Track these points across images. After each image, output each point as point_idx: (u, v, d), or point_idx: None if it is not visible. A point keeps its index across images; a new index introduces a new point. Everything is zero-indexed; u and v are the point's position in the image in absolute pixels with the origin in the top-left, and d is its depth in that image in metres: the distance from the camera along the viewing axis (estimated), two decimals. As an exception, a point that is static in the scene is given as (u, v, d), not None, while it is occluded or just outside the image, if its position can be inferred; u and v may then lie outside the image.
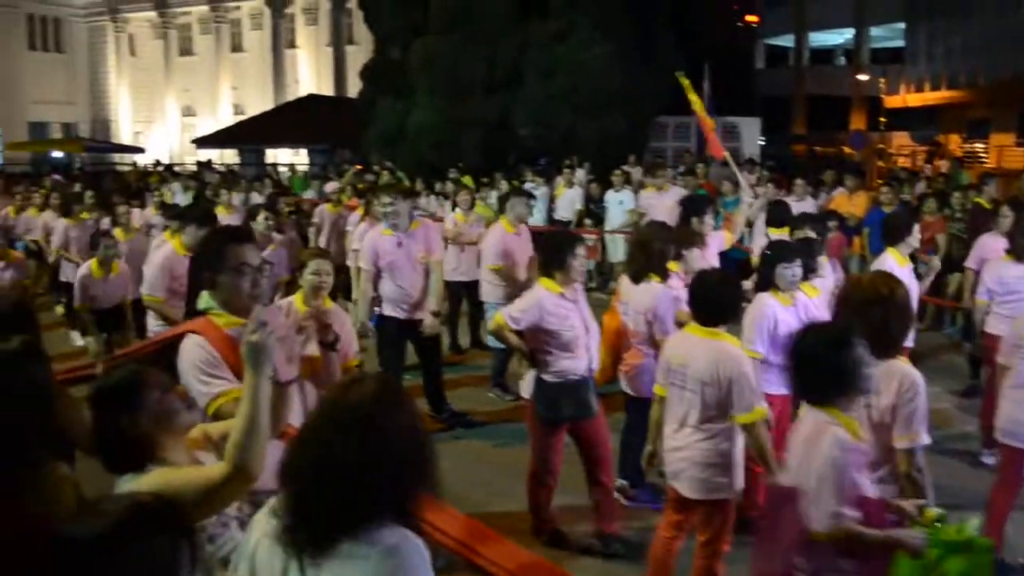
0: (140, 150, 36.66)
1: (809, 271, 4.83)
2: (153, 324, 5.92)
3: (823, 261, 5.19)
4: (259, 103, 38.02)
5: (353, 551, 1.75)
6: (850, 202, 10.27)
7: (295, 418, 3.08)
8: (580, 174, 14.27)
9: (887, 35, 35.58)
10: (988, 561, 2.63)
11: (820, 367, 2.80)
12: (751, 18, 36.27)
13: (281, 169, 24.92)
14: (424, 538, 1.84)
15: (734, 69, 27.26)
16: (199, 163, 24.56)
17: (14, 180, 19.57)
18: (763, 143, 25.14)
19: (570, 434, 4.74)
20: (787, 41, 38.75)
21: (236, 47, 41.63)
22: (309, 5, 39.11)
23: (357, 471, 1.75)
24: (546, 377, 4.59)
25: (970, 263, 6.78)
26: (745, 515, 4.20)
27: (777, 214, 6.99)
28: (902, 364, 3.19)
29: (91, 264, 7.05)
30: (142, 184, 17.98)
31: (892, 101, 32.03)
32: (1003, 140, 27.29)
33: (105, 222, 9.30)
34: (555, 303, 4.52)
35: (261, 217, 7.55)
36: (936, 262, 6.13)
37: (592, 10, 18.41)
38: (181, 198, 13.40)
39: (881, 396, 3.10)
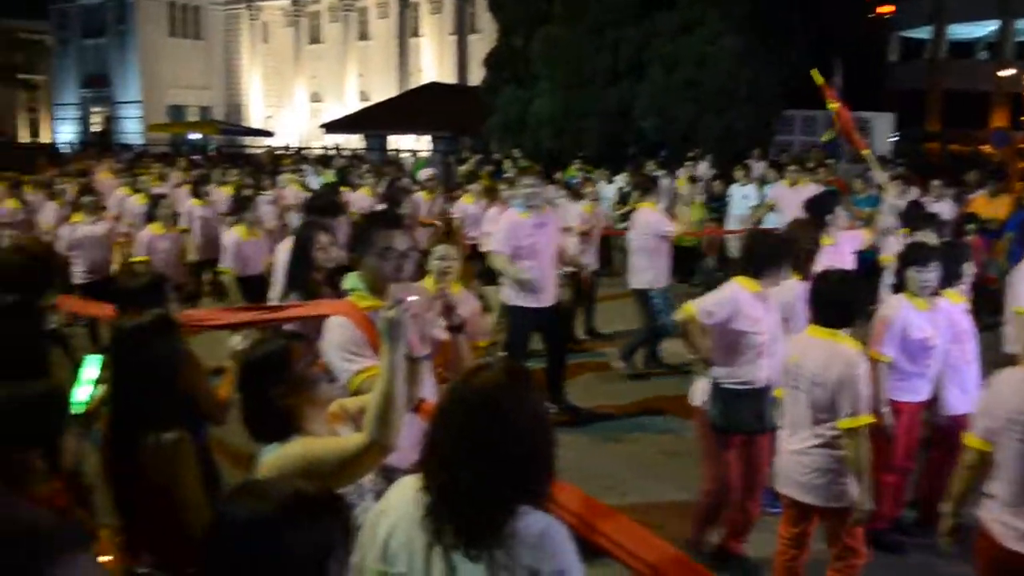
0: (270, 134, 38.20)
1: (953, 277, 4.63)
2: None
3: (968, 267, 4.91)
4: (384, 90, 38.97)
5: (501, 538, 1.79)
6: (991, 204, 9.83)
7: (429, 394, 3.22)
8: (703, 167, 14.12)
9: (1035, 28, 33.57)
10: None
11: None
12: (885, 9, 34.82)
13: (403, 155, 25.56)
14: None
15: (866, 62, 26.28)
16: (330, 148, 25.44)
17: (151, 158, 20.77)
18: (895, 140, 24.22)
19: (738, 447, 4.40)
20: (923, 33, 37.02)
21: (363, 35, 42.74)
22: (434, -6, 39.89)
23: (486, 454, 1.80)
24: (725, 383, 4.28)
25: None
26: (874, 528, 4.05)
27: (910, 215, 6.81)
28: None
29: (239, 229, 7.61)
30: (275, 167, 18.76)
31: (1038, 98, 30.21)
32: None
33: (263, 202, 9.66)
34: (751, 303, 4.24)
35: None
36: None
37: (721, 2, 18.09)
38: (314, 181, 13.92)
39: None
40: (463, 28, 37.13)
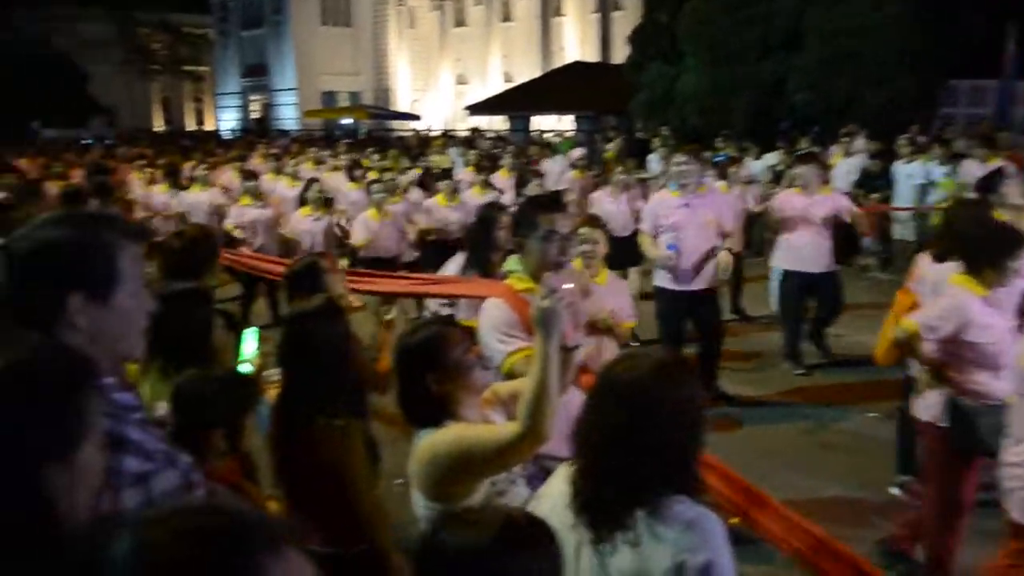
0: (417, 117, 39.03)
1: None
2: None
3: None
4: (527, 71, 39.04)
5: (650, 526, 1.78)
6: None
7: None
8: (859, 143, 13.40)
9: None
10: None
11: None
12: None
13: (547, 135, 25.59)
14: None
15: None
16: (472, 130, 25.77)
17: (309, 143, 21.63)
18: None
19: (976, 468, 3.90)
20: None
21: (506, 17, 42.94)
22: (577, -28, 39.57)
23: (634, 441, 1.79)
24: (961, 399, 3.83)
25: None
26: None
27: None
28: None
29: (370, 211, 8.04)
30: (423, 149, 19.19)
31: None
32: None
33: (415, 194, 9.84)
34: (979, 309, 3.72)
35: (533, 184, 7.87)
36: None
37: (883, -35, 17.04)
38: (459, 163, 14.13)
39: None
40: (605, 6, 36.65)
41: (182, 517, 0.97)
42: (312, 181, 9.32)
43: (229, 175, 12.63)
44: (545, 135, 25.63)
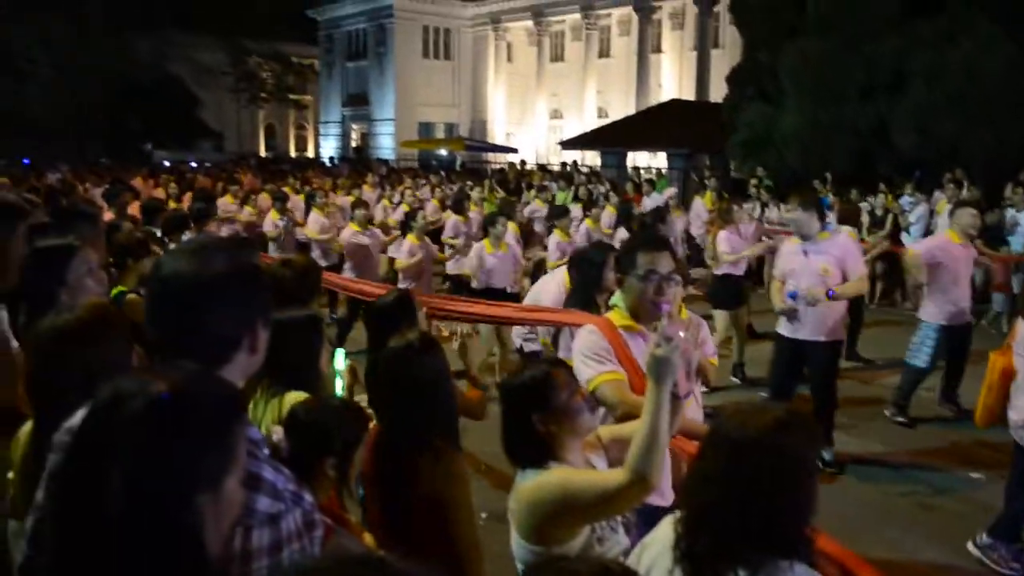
0: (513, 150, 39.56)
1: None
2: None
3: None
4: (622, 106, 39.19)
5: None
6: None
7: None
8: (967, 190, 12.99)
9: None
10: None
11: None
12: None
13: (642, 171, 25.57)
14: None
15: None
16: (568, 164, 25.97)
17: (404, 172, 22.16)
18: None
19: None
20: None
21: (603, 53, 43.21)
22: (676, 10, 39.50)
23: (745, 499, 1.75)
24: None
25: None
26: None
27: None
28: None
29: (484, 242, 8.18)
30: (522, 181, 19.46)
31: None
32: None
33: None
34: None
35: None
36: None
37: (996, 5, 16.51)
38: (559, 196, 14.31)
39: None
40: (704, 44, 36.50)
41: (345, 570, 1.01)
42: (417, 210, 9.67)
43: (343, 200, 13.23)
44: (641, 171, 25.63)
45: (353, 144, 51.05)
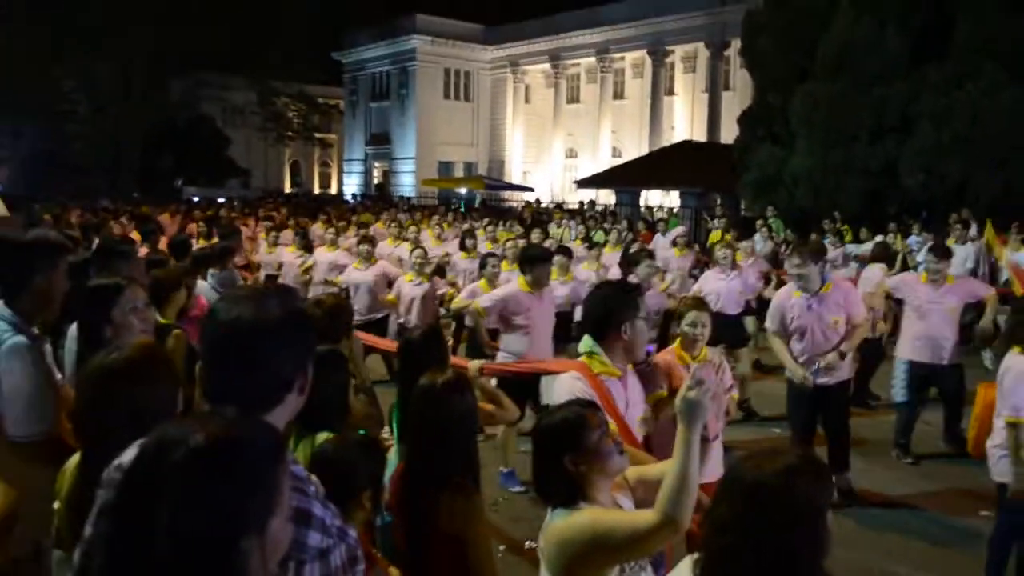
0: (530, 189, 40.27)
1: None
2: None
3: None
4: (635, 147, 40.00)
5: None
6: None
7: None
8: (974, 230, 13.40)
9: None
10: None
11: None
12: None
13: (655, 210, 26.08)
14: None
15: None
16: (584, 203, 26.46)
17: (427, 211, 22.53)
18: None
19: None
20: None
21: (618, 94, 44.08)
22: (688, 54, 40.31)
23: (758, 542, 1.76)
24: None
25: None
26: None
27: None
28: None
29: (519, 280, 6.90)
30: (538, 219, 19.93)
31: None
32: None
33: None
34: None
35: (644, 265, 7.53)
36: None
37: (1002, 51, 16.98)
38: (573, 234, 14.75)
39: None
40: (716, 86, 37.23)
41: None
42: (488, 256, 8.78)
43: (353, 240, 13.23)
44: (653, 210, 26.09)
45: (375, 181, 52.02)
